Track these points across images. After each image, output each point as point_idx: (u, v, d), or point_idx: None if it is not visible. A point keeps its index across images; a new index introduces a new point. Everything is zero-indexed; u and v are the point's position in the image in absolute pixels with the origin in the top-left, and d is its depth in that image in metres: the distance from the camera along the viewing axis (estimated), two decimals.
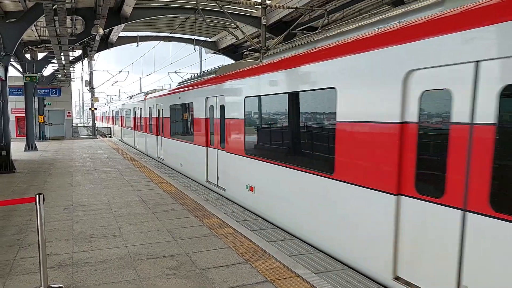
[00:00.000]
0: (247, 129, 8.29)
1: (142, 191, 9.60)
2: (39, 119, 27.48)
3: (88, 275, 4.66)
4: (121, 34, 29.37)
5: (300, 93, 6.33)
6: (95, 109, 34.86)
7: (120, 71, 37.13)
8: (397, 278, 4.46)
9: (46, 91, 25.66)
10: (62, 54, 21.57)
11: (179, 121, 13.83)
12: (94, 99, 32.62)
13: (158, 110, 16.91)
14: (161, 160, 16.36)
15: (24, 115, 21.80)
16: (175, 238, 5.98)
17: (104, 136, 35.96)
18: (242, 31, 15.58)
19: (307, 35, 8.49)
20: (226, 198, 9.27)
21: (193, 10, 21.81)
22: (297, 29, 21.75)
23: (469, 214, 3.65)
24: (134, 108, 23.22)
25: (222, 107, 9.72)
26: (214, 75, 11.09)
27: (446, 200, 3.86)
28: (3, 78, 13.63)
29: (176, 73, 36.71)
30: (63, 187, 10.22)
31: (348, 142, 5.17)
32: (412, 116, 4.27)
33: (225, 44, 33.14)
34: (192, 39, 31.92)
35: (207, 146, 10.91)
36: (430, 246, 4.06)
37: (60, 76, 29.22)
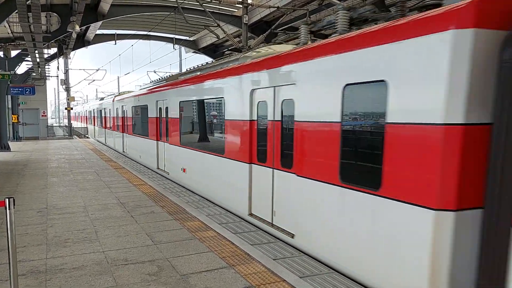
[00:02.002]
0: (182, 126, 10.93)
1: (120, 193, 9.31)
2: (12, 119, 26.61)
3: (63, 283, 4.41)
4: (98, 32, 28.73)
5: (209, 99, 9.16)
6: (71, 108, 34.03)
7: (97, 70, 36.29)
8: (250, 214, 7.21)
9: (20, 89, 24.84)
10: (36, 51, 20.89)
11: (138, 120, 15.89)
12: (70, 99, 31.80)
13: (123, 110, 18.86)
14: (126, 154, 18.33)
15: None
16: (155, 242, 5.76)
17: (84, 136, 35.15)
18: (223, 30, 15.38)
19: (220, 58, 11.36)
20: (169, 179, 11.67)
21: (172, 8, 21.47)
22: (278, 29, 21.67)
23: (275, 170, 6.46)
24: (104, 108, 24.82)
25: (167, 109, 12.13)
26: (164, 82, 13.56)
27: (267, 164, 6.72)
28: None
29: (155, 72, 36.17)
30: (37, 189, 9.83)
31: (228, 133, 8.00)
32: (254, 116, 7.11)
33: (205, 43, 32.84)
34: (172, 38, 31.50)
35: (157, 140, 13.29)
36: (261, 191, 6.89)
37: (34, 74, 28.39)
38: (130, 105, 17.15)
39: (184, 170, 10.65)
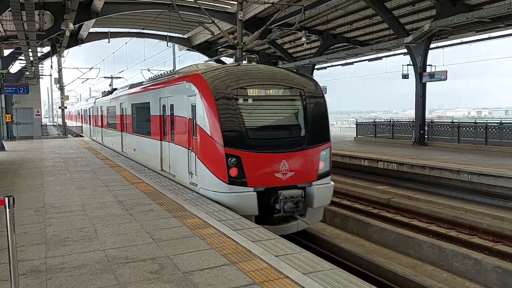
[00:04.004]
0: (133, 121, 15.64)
1: (117, 191, 9.25)
2: (6, 118, 26.36)
3: (64, 282, 4.37)
4: (92, 30, 28.53)
5: (143, 103, 13.76)
6: (65, 107, 33.78)
7: (90, 68, 36.03)
8: (162, 170, 11.61)
9: (13, 88, 24.61)
10: (30, 50, 20.70)
11: (108, 117, 20.93)
12: (64, 97, 31.56)
13: (101, 110, 23.70)
14: (102, 143, 23.01)
15: None
16: (155, 240, 5.72)
17: (78, 135, 34.93)
18: (218, 26, 15.29)
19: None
20: (128, 158, 16.09)
21: (166, 6, 21.33)
22: (273, 25, 21.58)
23: (169, 143, 10.97)
24: (88, 108, 29.48)
25: (125, 109, 16.87)
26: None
27: (166, 140, 11.22)
28: None
29: (149, 70, 35.96)
30: (34, 188, 9.75)
31: (152, 123, 12.50)
32: (161, 113, 11.67)
33: (199, 40, 32.68)
34: (166, 36, 31.31)
35: (121, 131, 17.55)
36: (165, 155, 11.31)
37: (28, 73, 28.15)
38: (106, 105, 21.89)
39: (134, 150, 15.40)
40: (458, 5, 18.04)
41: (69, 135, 33.55)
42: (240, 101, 8.56)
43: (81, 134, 34.97)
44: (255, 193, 8.22)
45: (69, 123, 43.52)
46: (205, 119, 8.49)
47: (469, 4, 18.59)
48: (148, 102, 12.80)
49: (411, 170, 15.48)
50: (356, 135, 26.93)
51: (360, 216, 11.79)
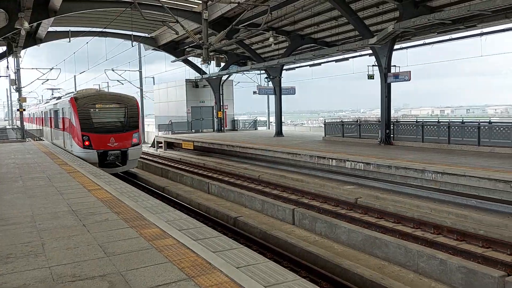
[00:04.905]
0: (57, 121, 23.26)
1: (72, 199, 8.72)
2: None
3: None
4: (51, 29, 27.40)
5: (52, 110, 23.96)
6: (24, 110, 32.37)
7: (51, 69, 34.71)
8: (64, 147, 20.29)
9: None
10: None
11: (45, 118, 27.91)
12: (21, 100, 30.19)
13: (42, 113, 30.16)
14: (44, 138, 29.21)
15: None
16: (107, 254, 5.31)
17: (38, 139, 33.51)
18: (182, 26, 14.87)
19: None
20: (56, 145, 23.03)
21: (128, 4, 20.65)
22: (240, 25, 21.29)
23: (66, 132, 20.02)
24: (36, 111, 35.93)
25: (52, 113, 24.59)
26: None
27: (65, 130, 20.23)
28: None
29: (113, 70, 35.00)
30: None
31: (63, 122, 20.46)
32: (65, 116, 20.23)
33: (166, 40, 32.01)
34: (130, 35, 30.43)
35: (51, 127, 24.78)
36: (66, 140, 20.18)
37: None
38: (44, 110, 28.63)
39: (57, 138, 22.66)
40: (420, 7, 18.29)
41: (29, 138, 32.17)
42: (91, 110, 17.60)
43: (42, 138, 33.60)
44: (96, 152, 17.27)
45: (28, 126, 41.92)
46: (74, 119, 17.59)
47: (431, 6, 18.89)
48: (58, 110, 21.48)
49: (377, 170, 15.55)
50: (325, 135, 26.99)
51: (328, 218, 11.66)
